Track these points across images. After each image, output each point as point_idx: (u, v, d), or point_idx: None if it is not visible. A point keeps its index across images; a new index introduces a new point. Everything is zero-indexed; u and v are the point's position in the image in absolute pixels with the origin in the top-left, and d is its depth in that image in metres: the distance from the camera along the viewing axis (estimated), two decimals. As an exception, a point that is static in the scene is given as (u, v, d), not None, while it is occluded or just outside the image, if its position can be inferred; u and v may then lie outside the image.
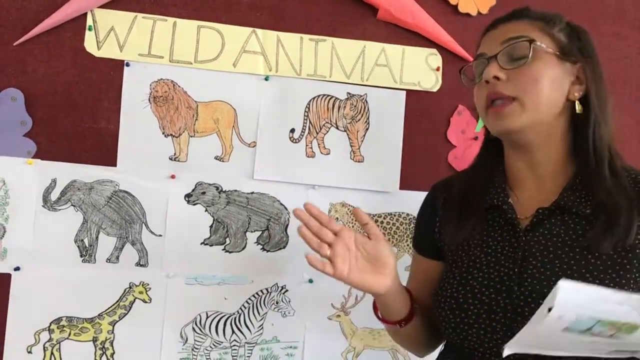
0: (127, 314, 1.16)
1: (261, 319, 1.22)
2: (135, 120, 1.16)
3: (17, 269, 1.11)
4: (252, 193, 1.22)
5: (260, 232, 1.23)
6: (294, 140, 1.23)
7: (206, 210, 1.20)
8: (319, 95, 1.24)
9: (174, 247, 1.18)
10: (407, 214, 1.28)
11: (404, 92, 1.27)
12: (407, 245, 1.28)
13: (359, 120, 1.26)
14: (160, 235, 1.18)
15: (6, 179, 1.12)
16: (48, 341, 1.13)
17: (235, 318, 1.21)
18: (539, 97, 0.80)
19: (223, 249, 1.21)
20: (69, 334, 1.14)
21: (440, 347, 0.97)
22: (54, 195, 1.13)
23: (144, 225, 1.17)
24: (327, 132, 1.25)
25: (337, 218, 1.24)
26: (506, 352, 0.66)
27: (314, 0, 1.23)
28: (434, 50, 1.29)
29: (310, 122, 1.24)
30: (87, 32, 1.14)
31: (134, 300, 1.16)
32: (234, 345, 1.21)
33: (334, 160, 1.25)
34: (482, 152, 0.95)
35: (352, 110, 1.25)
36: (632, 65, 1.38)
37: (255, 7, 1.21)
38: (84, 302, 1.14)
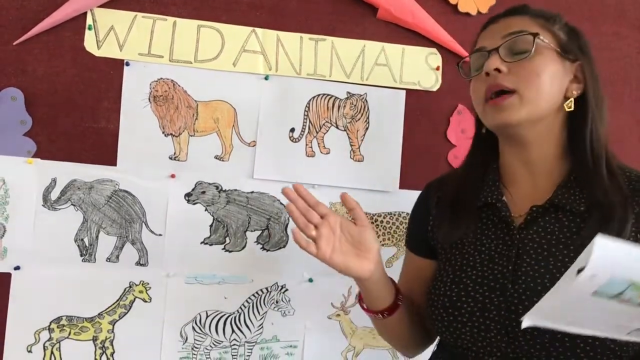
0: (127, 313, 1.16)
1: (261, 318, 1.22)
2: (135, 120, 1.16)
3: (17, 268, 1.11)
4: (252, 192, 1.22)
5: (260, 231, 1.23)
6: (294, 140, 1.23)
7: (206, 210, 1.20)
8: (318, 95, 1.24)
9: (174, 247, 1.18)
10: (407, 214, 1.27)
11: (404, 91, 1.27)
12: (407, 244, 1.28)
13: (359, 119, 1.26)
14: (160, 235, 1.18)
15: (6, 178, 1.12)
16: (48, 340, 1.13)
17: (235, 317, 1.21)
18: (539, 92, 0.80)
19: (223, 248, 1.21)
20: (69, 333, 1.14)
21: (433, 347, 0.97)
22: (54, 195, 1.14)
23: (144, 224, 1.17)
24: (327, 131, 1.25)
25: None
26: (525, 322, 0.62)
27: (314, 0, 1.23)
28: (434, 50, 1.29)
29: (310, 121, 1.24)
30: (87, 31, 1.15)
31: (134, 299, 1.16)
32: (234, 345, 1.21)
33: (333, 160, 1.25)
34: (475, 150, 0.95)
35: (352, 110, 1.25)
36: (632, 64, 1.38)
37: (255, 7, 1.21)
38: (84, 301, 1.14)
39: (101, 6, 1.14)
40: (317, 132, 1.24)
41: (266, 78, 1.22)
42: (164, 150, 1.18)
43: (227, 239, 1.21)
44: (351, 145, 1.26)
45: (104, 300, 1.15)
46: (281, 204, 1.23)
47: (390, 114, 1.27)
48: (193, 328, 1.19)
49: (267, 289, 1.22)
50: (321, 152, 1.24)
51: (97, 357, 1.15)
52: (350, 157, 1.26)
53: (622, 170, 0.82)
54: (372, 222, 1.26)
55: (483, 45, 0.86)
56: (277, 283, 1.23)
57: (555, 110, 0.83)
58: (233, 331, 1.20)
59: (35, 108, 1.13)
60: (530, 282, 0.77)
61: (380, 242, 1.26)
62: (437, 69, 1.28)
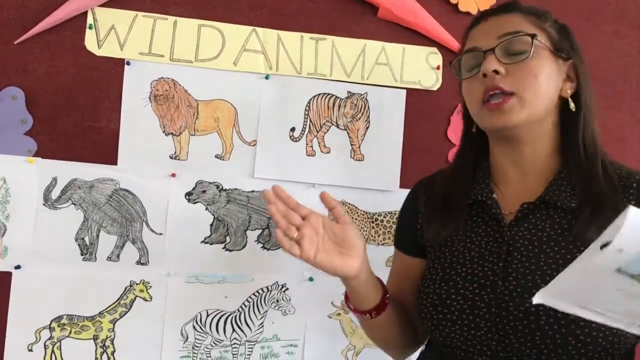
0: (127, 312, 1.16)
1: (261, 317, 1.22)
2: (136, 119, 1.16)
3: (17, 267, 1.12)
4: (253, 191, 1.22)
5: (261, 230, 1.23)
6: (295, 139, 1.23)
7: (207, 209, 1.20)
8: (319, 94, 1.24)
9: (175, 246, 1.18)
10: (407, 213, 1.28)
11: (405, 90, 1.27)
12: (407, 243, 1.28)
13: (359, 118, 1.26)
14: (160, 234, 1.18)
15: (7, 177, 1.12)
16: (49, 339, 1.13)
17: (235, 316, 1.21)
18: (537, 93, 0.80)
19: (223, 248, 1.21)
20: (70, 332, 1.14)
21: (422, 347, 0.96)
22: (55, 194, 1.14)
23: (144, 223, 1.17)
24: (328, 130, 1.25)
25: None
26: (536, 299, 0.59)
27: (315, -1, 1.24)
28: (435, 49, 1.29)
29: (310, 120, 1.24)
30: (87, 30, 1.15)
31: (135, 298, 1.17)
32: (235, 344, 1.21)
33: (334, 159, 1.25)
34: (465, 148, 0.94)
35: (352, 109, 1.25)
36: (632, 63, 1.38)
37: (256, 6, 1.21)
38: (85, 300, 1.14)
39: (102, 5, 1.14)
40: (317, 132, 1.24)
41: (267, 77, 1.22)
42: (164, 150, 1.18)
43: (228, 238, 1.21)
44: (352, 145, 1.26)
45: (104, 299, 1.15)
46: (282, 203, 1.23)
47: (390, 113, 1.27)
48: (194, 327, 1.19)
49: (267, 288, 1.22)
50: (322, 152, 1.25)
51: (98, 356, 1.15)
52: (351, 157, 1.26)
53: (613, 167, 0.82)
54: (373, 222, 1.26)
55: (476, 45, 0.84)
56: (277, 282, 1.23)
57: (551, 110, 0.83)
58: (234, 330, 1.21)
59: (36, 107, 1.13)
60: (521, 279, 0.76)
61: (381, 241, 1.27)
62: (438, 68, 1.29)
